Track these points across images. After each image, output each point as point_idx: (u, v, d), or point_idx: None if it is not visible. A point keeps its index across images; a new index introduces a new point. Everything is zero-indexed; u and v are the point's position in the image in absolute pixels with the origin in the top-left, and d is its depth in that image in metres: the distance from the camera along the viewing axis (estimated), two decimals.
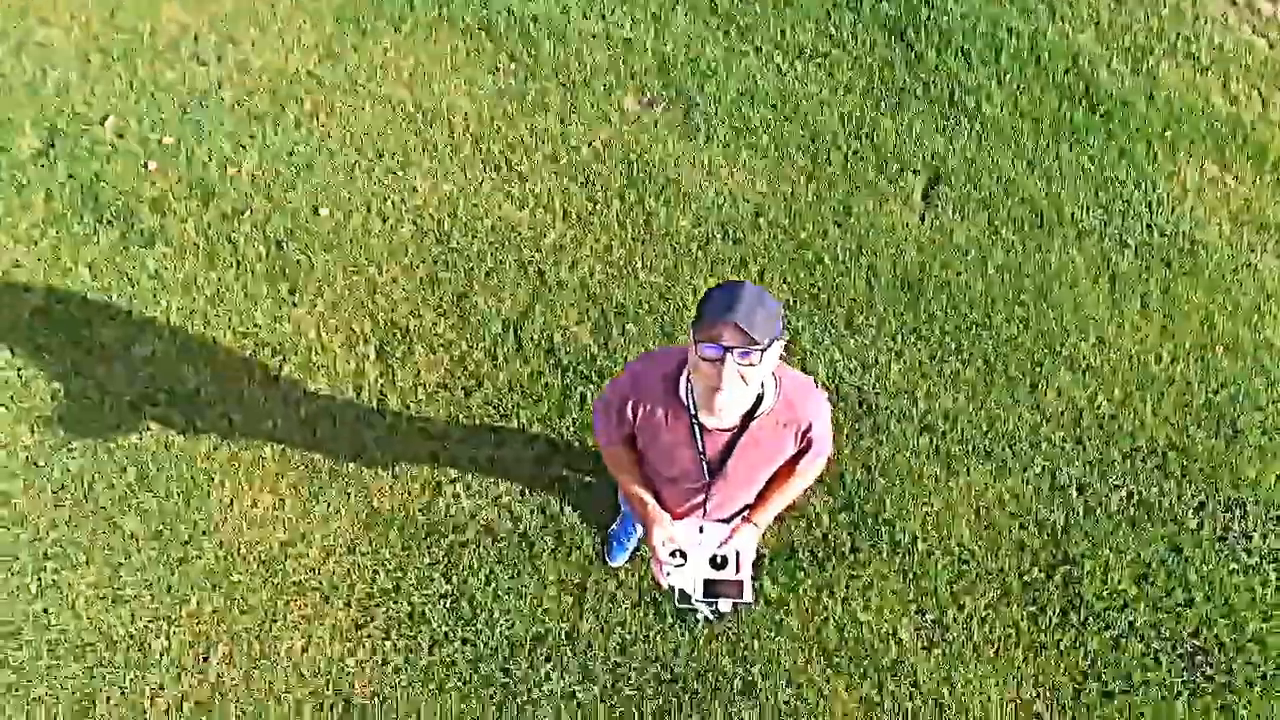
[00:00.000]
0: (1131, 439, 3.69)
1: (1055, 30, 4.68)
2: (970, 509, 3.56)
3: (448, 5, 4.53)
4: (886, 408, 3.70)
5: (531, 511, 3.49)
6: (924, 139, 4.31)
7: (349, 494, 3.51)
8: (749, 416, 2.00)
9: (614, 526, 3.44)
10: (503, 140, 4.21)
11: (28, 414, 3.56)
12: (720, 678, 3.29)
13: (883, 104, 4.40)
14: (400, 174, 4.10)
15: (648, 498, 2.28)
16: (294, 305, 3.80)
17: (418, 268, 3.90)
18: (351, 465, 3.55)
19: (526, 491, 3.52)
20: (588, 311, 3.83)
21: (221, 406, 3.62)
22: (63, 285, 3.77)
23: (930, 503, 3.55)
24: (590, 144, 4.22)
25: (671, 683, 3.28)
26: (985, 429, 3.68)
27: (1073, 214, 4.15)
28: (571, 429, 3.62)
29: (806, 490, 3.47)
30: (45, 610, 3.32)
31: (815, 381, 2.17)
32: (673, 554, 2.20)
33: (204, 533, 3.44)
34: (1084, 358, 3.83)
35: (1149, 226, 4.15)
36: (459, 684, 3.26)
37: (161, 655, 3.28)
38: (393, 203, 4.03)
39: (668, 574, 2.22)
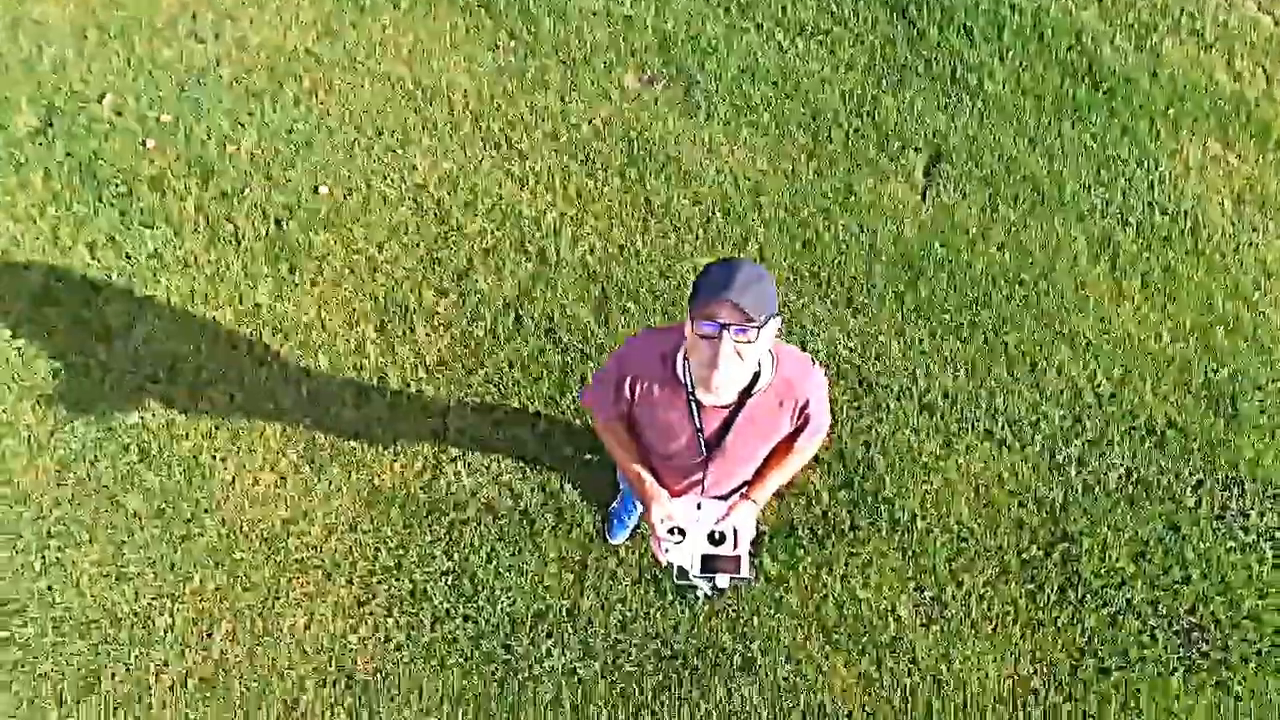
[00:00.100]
0: (1131, 417, 3.70)
1: (1058, 7, 4.64)
2: (969, 487, 3.57)
3: None
4: (886, 386, 3.70)
5: (532, 489, 3.50)
6: (925, 117, 4.29)
7: (350, 472, 3.52)
8: (746, 393, 2.00)
9: (614, 504, 3.45)
10: (503, 118, 4.19)
11: (29, 393, 3.57)
12: (720, 654, 3.31)
13: (884, 81, 4.38)
14: (400, 152, 4.08)
15: (645, 475, 2.29)
16: (294, 284, 3.80)
17: (418, 246, 3.89)
18: (353, 443, 3.56)
19: (527, 469, 3.54)
20: (588, 290, 3.83)
21: (223, 385, 3.63)
22: (63, 264, 3.77)
23: (929, 480, 3.57)
24: (590, 122, 4.20)
25: (672, 659, 3.30)
26: (985, 407, 3.68)
27: (1074, 192, 4.13)
28: (572, 407, 3.63)
29: (805, 467, 3.48)
30: (50, 588, 3.34)
31: (813, 359, 2.17)
32: (671, 531, 2.21)
33: (206, 511, 3.46)
34: (1084, 336, 3.83)
35: (1150, 205, 4.13)
36: (461, 660, 3.29)
37: (165, 632, 3.30)
38: (392, 181, 4.02)
39: (666, 551, 2.23)
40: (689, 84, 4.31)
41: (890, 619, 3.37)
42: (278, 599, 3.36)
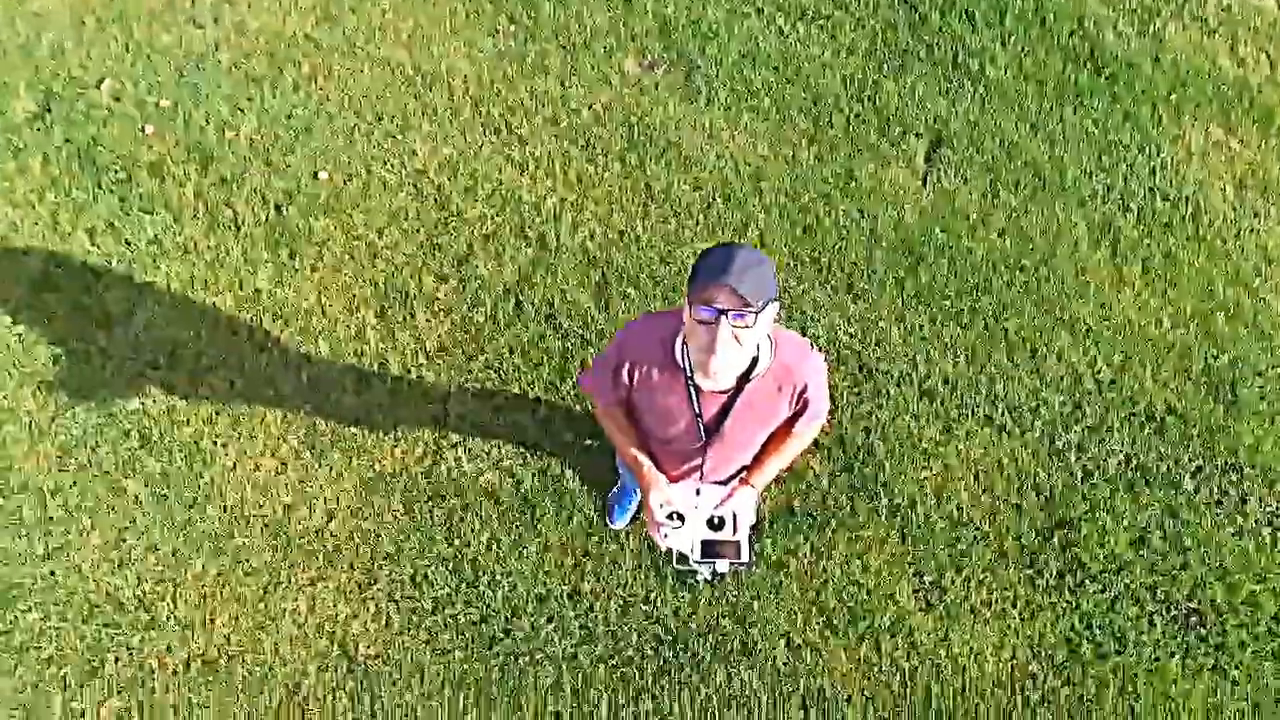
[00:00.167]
0: (1130, 404, 3.70)
1: None
2: (969, 472, 3.57)
3: None
4: (886, 371, 3.70)
5: (533, 475, 3.51)
6: (927, 102, 4.27)
7: (351, 458, 3.53)
8: (745, 378, 2.00)
9: (614, 490, 3.46)
10: (503, 103, 4.18)
11: (30, 379, 3.58)
12: (720, 639, 3.33)
13: (885, 66, 4.36)
14: (400, 137, 4.07)
15: (644, 460, 2.29)
16: (294, 269, 3.80)
17: (418, 231, 3.89)
18: (353, 429, 3.57)
19: (528, 455, 3.54)
20: (588, 275, 3.83)
21: (223, 371, 3.63)
22: (62, 250, 3.77)
23: (929, 466, 3.57)
24: (591, 107, 4.19)
25: (672, 644, 3.32)
26: (985, 393, 3.69)
27: (1075, 178, 4.12)
28: (572, 392, 3.63)
29: (805, 452, 3.50)
30: (52, 573, 3.36)
31: (812, 343, 2.17)
32: (670, 516, 2.22)
33: (207, 496, 3.47)
34: (1084, 322, 3.82)
35: (1152, 191, 4.12)
36: (462, 645, 3.31)
37: (168, 617, 3.32)
38: (392, 166, 4.01)
39: (665, 536, 2.24)
40: (690, 69, 4.30)
41: (889, 604, 3.39)
42: (279, 584, 3.37)
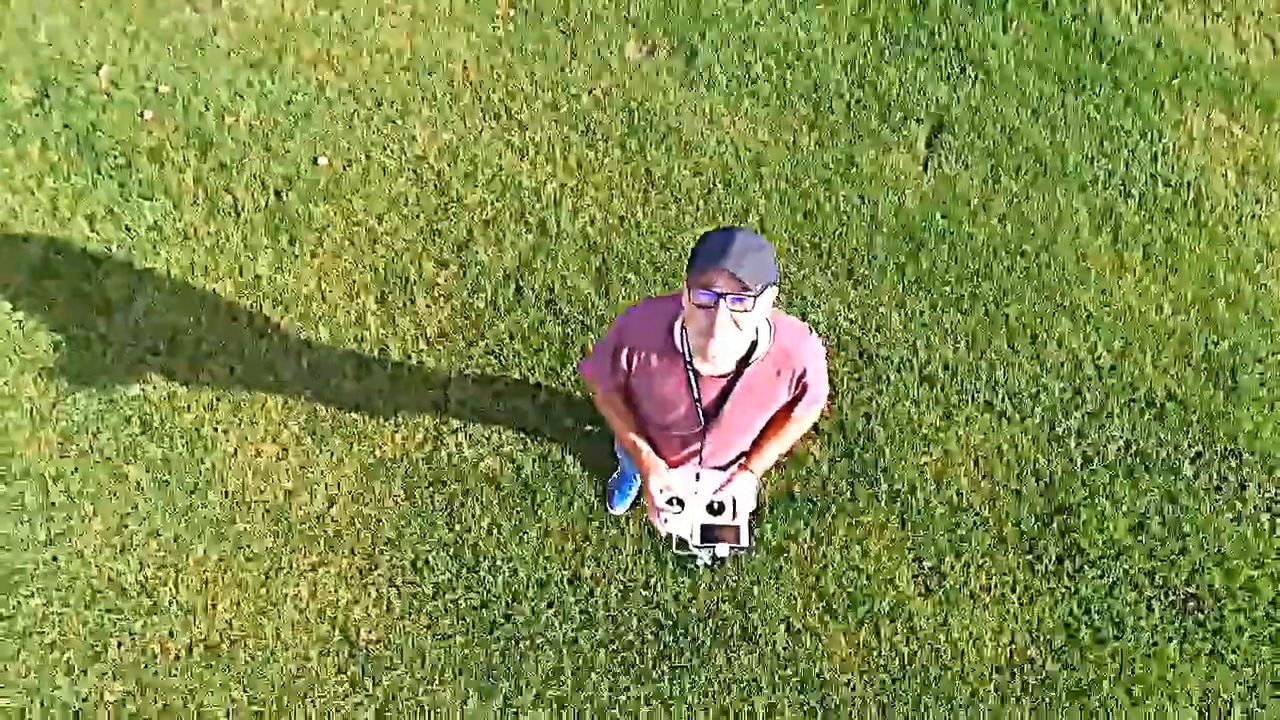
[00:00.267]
0: (1130, 390, 3.70)
1: None
2: (969, 458, 3.58)
3: None
4: (887, 357, 3.70)
5: (533, 460, 3.52)
6: (927, 87, 4.26)
7: (352, 443, 3.54)
8: (744, 362, 2.00)
9: (614, 475, 3.47)
10: (502, 88, 4.16)
11: (30, 365, 3.58)
12: (720, 624, 3.34)
13: (886, 52, 4.34)
14: (399, 123, 4.06)
15: (643, 445, 2.30)
16: (294, 255, 3.80)
17: (418, 217, 3.88)
18: (354, 415, 3.57)
19: (528, 440, 3.55)
20: (588, 261, 3.82)
21: (224, 357, 3.64)
22: (62, 236, 3.77)
23: (929, 452, 3.58)
24: (591, 92, 4.17)
25: (672, 628, 3.33)
26: (985, 379, 3.69)
27: (1076, 164, 4.11)
28: (573, 378, 3.63)
29: (805, 437, 3.51)
30: (54, 559, 3.37)
31: (811, 328, 2.17)
32: (670, 501, 2.22)
33: (209, 482, 3.48)
34: (1085, 308, 3.82)
35: (1153, 176, 4.11)
36: (462, 630, 3.32)
37: (170, 602, 3.33)
38: (392, 152, 4.00)
39: (664, 521, 2.24)
40: (690, 54, 4.28)
41: (889, 589, 3.40)
42: (280, 569, 3.39)
